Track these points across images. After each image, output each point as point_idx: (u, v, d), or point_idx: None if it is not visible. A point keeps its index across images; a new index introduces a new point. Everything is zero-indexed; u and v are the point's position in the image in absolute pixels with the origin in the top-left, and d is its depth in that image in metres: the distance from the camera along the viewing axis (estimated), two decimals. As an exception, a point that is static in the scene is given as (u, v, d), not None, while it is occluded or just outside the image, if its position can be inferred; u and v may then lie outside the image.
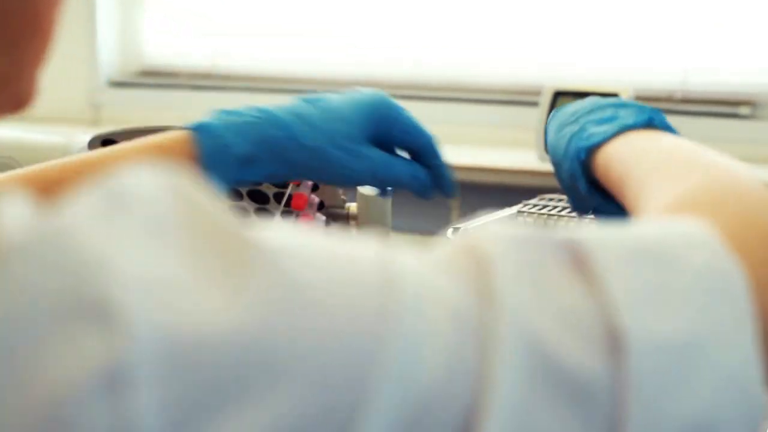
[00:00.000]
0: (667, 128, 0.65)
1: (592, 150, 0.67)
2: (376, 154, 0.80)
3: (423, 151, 0.83)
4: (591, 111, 0.70)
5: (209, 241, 0.35)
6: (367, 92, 0.81)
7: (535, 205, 1.12)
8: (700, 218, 0.44)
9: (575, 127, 0.70)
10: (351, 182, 0.81)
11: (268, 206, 1.10)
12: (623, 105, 0.69)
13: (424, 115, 1.85)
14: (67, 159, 0.76)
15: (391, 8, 1.88)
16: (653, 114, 0.65)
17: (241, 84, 1.95)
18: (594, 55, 1.74)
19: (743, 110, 1.68)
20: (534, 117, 1.60)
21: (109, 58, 2.03)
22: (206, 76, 1.99)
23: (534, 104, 1.63)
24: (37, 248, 0.33)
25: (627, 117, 0.66)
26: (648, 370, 0.37)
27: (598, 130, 0.67)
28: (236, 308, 0.34)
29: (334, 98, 0.80)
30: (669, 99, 1.70)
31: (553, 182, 0.77)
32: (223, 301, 0.34)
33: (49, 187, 0.71)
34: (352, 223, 1.05)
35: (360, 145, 0.79)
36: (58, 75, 2.00)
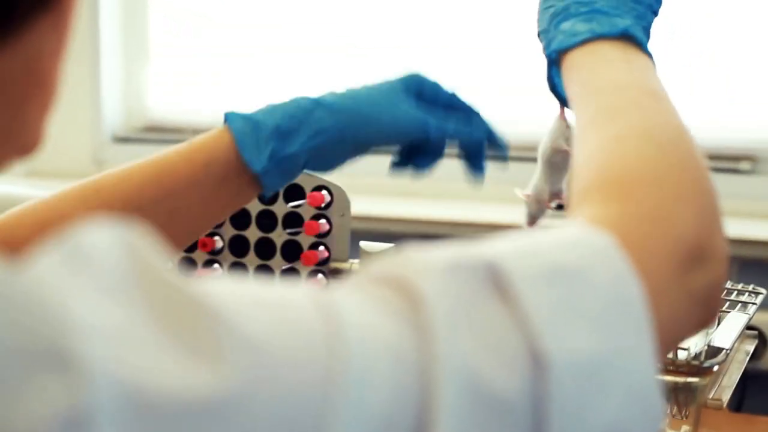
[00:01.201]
0: (642, 42, 0.65)
1: (561, 52, 0.67)
2: (420, 110, 0.79)
3: (468, 113, 0.82)
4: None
5: (164, 300, 0.37)
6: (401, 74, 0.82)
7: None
8: (604, 217, 0.49)
9: (560, 4, 0.69)
10: (397, 137, 0.79)
11: (270, 262, 1.10)
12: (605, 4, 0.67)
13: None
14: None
15: (393, 68, 1.89)
16: (629, 26, 0.65)
17: (244, 140, 1.95)
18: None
19: (744, 166, 1.69)
20: (534, 173, 1.60)
21: (113, 113, 2.05)
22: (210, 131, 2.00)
23: (534, 160, 1.64)
24: (2, 303, 0.35)
25: (602, 22, 0.65)
26: (567, 386, 0.41)
27: (572, 29, 0.66)
28: (194, 368, 0.36)
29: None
30: (670, 154, 1.70)
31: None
32: (183, 360, 0.36)
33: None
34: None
35: (401, 102, 0.79)
36: (62, 131, 2.01)
